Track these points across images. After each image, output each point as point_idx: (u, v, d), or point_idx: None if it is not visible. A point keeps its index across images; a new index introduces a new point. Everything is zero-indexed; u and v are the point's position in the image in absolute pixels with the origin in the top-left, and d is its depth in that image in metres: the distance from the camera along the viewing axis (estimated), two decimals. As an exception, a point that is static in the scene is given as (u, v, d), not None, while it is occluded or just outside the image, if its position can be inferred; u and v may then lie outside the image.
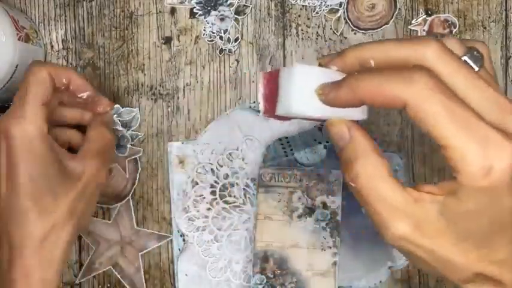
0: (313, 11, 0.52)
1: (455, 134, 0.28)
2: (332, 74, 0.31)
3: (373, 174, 0.31)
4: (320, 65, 0.33)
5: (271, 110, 0.33)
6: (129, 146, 0.52)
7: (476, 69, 0.33)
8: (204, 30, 0.52)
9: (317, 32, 0.52)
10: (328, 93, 0.30)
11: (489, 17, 0.51)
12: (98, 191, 0.45)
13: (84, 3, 0.53)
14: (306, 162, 0.51)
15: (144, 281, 0.53)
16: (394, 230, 0.31)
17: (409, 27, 0.51)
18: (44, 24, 0.53)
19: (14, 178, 0.40)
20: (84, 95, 0.46)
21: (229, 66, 0.52)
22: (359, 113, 0.32)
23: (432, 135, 0.29)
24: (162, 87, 0.53)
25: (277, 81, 0.32)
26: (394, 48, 0.30)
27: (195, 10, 0.52)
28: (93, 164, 0.43)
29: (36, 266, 0.41)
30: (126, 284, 0.52)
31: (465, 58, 0.32)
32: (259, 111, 0.52)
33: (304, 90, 0.31)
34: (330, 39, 0.52)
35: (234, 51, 0.52)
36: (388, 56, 0.30)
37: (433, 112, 0.28)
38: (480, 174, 0.28)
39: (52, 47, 0.53)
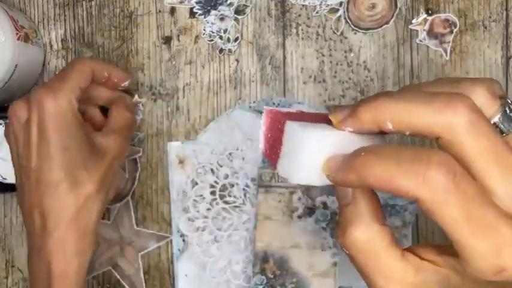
0: (313, 11, 0.51)
1: (470, 236, 0.26)
2: (344, 138, 0.29)
3: (369, 245, 0.29)
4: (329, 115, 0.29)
5: (270, 157, 0.30)
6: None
7: (506, 131, 0.30)
8: (204, 29, 0.52)
9: (317, 32, 0.51)
10: (335, 176, 0.28)
11: (490, 17, 0.51)
12: (118, 166, 0.47)
13: (84, 2, 0.53)
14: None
15: (143, 281, 0.52)
16: None
17: (410, 26, 0.51)
18: (43, 24, 0.53)
19: (46, 150, 0.41)
20: (126, 83, 0.49)
21: (229, 66, 0.52)
22: None
23: (444, 230, 0.27)
24: (162, 87, 0.52)
25: (282, 130, 0.29)
26: (418, 112, 0.27)
27: (194, 10, 0.52)
28: (117, 139, 0.45)
29: (72, 237, 0.42)
30: (125, 285, 0.52)
31: (496, 120, 0.30)
32: (259, 111, 0.52)
33: (312, 162, 0.28)
34: (330, 38, 0.51)
35: (234, 51, 0.52)
36: (410, 121, 0.27)
37: (448, 215, 0.26)
38: (491, 273, 0.26)
39: (51, 46, 0.53)
